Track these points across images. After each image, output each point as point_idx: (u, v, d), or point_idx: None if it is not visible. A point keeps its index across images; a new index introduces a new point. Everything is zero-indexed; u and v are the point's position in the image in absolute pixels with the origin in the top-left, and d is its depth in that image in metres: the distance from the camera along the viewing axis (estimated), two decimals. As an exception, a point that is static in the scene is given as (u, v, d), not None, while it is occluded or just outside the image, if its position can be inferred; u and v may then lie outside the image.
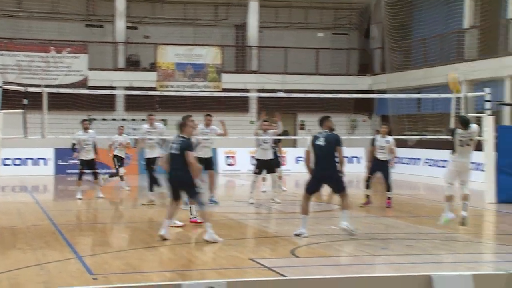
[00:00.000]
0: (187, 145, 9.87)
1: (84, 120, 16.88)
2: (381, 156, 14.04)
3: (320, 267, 8.44)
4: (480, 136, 13.09)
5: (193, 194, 9.98)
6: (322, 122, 10.49)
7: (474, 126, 11.01)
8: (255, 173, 14.81)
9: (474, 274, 5.92)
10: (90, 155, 15.84)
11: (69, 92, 21.15)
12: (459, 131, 10.84)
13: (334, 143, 10.20)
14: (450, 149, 10.97)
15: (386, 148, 14.03)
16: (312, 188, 10.43)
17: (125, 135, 18.35)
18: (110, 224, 12.49)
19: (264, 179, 16.93)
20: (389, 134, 14.63)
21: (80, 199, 15.62)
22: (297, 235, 10.16)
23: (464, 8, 23.78)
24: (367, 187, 14.40)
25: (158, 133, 14.27)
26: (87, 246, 9.52)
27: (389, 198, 14.19)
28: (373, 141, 14.27)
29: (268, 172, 15.20)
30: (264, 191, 16.63)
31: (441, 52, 24.84)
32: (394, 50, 25.94)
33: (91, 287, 5.99)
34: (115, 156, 17.93)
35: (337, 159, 10.30)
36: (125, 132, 18.59)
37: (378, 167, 14.14)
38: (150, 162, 14.27)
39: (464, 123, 10.90)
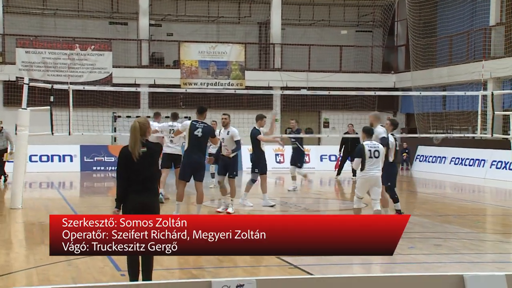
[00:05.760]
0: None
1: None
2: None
3: (348, 265, 8.39)
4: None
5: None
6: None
7: (379, 130, 10.14)
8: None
9: (507, 274, 5.81)
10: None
11: (94, 89, 21.28)
12: (366, 142, 9.75)
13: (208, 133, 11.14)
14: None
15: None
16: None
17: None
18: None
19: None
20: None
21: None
22: None
23: (490, 5, 23.52)
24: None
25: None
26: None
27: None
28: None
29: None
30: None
31: (467, 50, 24.59)
32: (419, 48, 25.73)
33: (121, 283, 5.98)
34: None
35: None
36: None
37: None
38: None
39: (367, 132, 9.85)
